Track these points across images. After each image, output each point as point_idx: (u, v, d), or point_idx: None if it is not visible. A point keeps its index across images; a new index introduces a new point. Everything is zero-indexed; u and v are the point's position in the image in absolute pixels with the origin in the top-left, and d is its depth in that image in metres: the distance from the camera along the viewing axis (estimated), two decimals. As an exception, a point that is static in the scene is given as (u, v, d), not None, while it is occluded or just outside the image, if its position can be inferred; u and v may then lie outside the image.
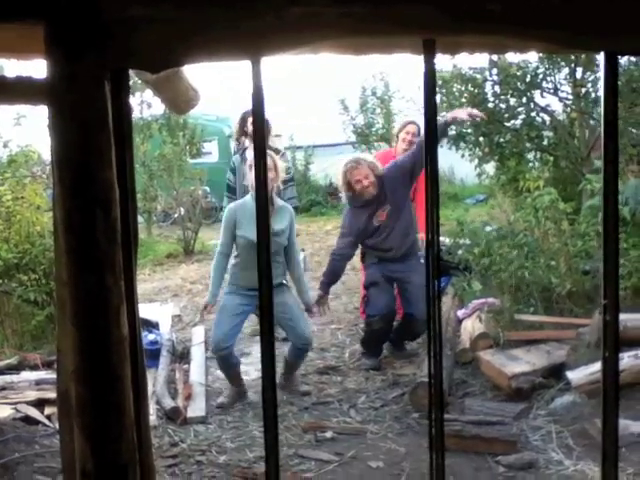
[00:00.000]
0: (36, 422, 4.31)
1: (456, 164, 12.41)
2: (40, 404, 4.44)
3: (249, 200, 4.70)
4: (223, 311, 4.79)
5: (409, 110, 12.32)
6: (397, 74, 12.97)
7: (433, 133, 1.97)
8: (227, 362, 4.76)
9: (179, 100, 3.02)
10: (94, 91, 1.69)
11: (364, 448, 4.02)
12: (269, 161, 4.35)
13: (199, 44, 1.78)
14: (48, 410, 4.39)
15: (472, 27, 1.77)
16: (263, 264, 1.87)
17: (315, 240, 11.06)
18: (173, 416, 4.50)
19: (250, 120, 5.54)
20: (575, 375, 4.21)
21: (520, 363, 4.54)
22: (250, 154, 5.52)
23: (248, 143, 5.82)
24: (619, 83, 1.91)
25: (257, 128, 1.90)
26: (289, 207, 4.96)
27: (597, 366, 4.17)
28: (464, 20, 1.76)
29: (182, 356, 5.70)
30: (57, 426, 4.12)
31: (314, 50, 1.87)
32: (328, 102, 13.39)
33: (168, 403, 4.60)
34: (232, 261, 4.81)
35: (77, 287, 1.72)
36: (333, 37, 1.81)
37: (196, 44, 1.78)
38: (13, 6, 1.68)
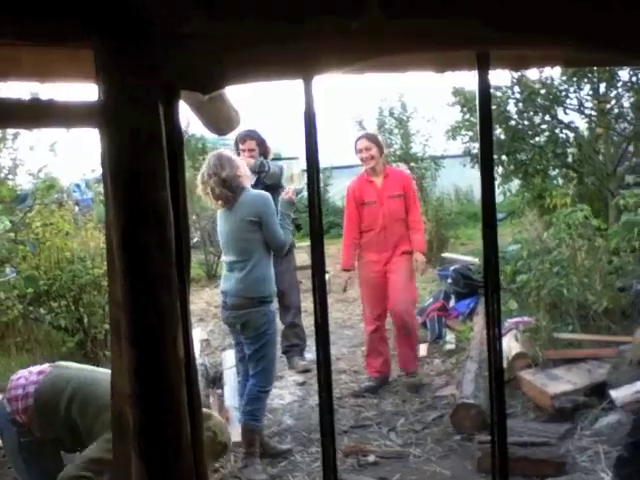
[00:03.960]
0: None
1: (475, 183, 12.38)
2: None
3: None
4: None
5: (427, 130, 12.40)
6: (415, 94, 13.04)
7: (488, 153, 1.93)
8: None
9: (221, 121, 3.00)
10: (148, 111, 1.69)
11: (408, 472, 3.97)
12: None
13: (250, 62, 1.77)
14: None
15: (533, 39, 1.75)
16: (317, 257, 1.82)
17: (337, 262, 11.02)
18: (211, 442, 4.45)
19: (241, 145, 5.65)
20: (619, 394, 4.14)
21: (562, 382, 4.48)
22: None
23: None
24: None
25: (309, 150, 1.84)
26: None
27: (641, 384, 4.13)
28: (524, 31, 1.74)
29: (214, 381, 5.68)
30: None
31: (365, 68, 1.86)
32: (346, 123, 13.45)
33: (205, 429, 4.57)
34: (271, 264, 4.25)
35: (133, 307, 1.71)
36: (386, 53, 1.80)
37: (247, 63, 1.77)
38: (63, 27, 1.68)
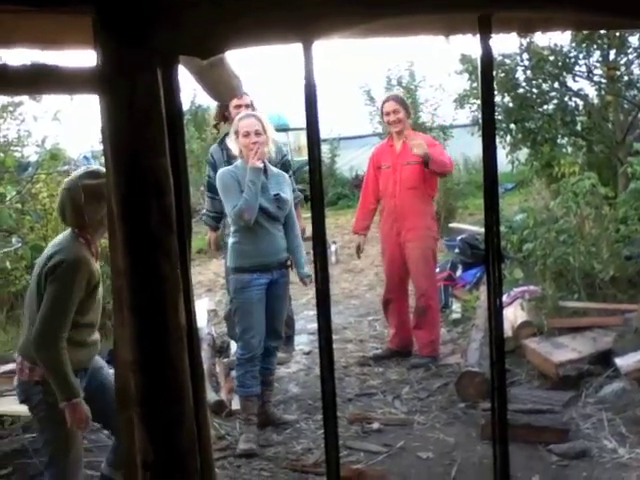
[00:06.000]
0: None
1: (485, 152, 12.26)
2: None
3: (241, 166, 4.19)
4: (246, 305, 4.14)
5: (435, 99, 12.27)
6: (423, 62, 12.88)
7: (491, 120, 1.90)
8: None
9: (222, 88, 2.97)
10: (146, 78, 1.67)
11: (412, 439, 4.00)
12: (257, 125, 4.11)
13: (248, 27, 1.74)
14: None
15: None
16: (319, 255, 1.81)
17: (344, 233, 11.03)
18: (218, 409, 4.50)
19: (233, 103, 5.00)
20: (624, 362, 4.14)
21: (566, 351, 4.48)
22: (231, 142, 4.82)
23: (228, 129, 5.01)
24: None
25: (309, 117, 1.81)
26: (284, 174, 4.40)
27: (646, 352, 4.13)
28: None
29: (221, 350, 5.72)
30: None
31: (367, 32, 1.83)
32: (353, 93, 13.33)
33: (212, 397, 4.59)
34: (231, 240, 4.26)
35: (134, 275, 1.71)
36: (386, 16, 1.76)
37: (245, 27, 1.74)
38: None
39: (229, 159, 4.93)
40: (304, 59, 1.76)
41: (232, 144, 4.33)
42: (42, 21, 1.83)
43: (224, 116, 5.30)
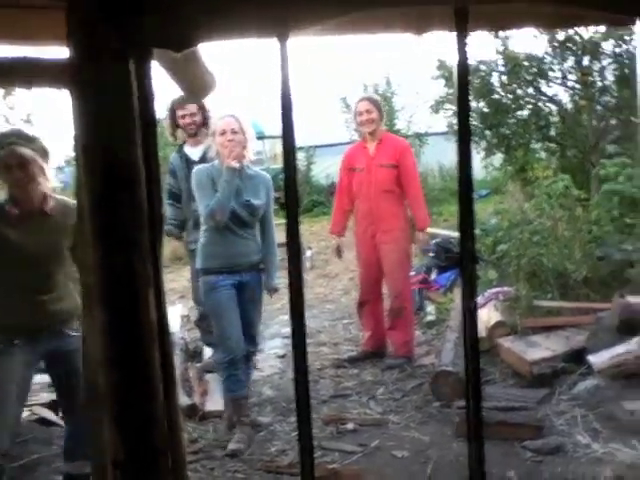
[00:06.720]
0: (51, 424, 4.26)
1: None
2: (54, 405, 4.38)
3: (217, 165, 4.10)
4: (217, 307, 4.07)
5: (412, 105, 12.34)
6: (399, 69, 12.95)
7: (466, 121, 1.87)
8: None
9: (196, 85, 2.96)
10: (118, 71, 1.65)
11: (387, 438, 3.96)
12: (235, 124, 4.03)
13: (224, 19, 1.73)
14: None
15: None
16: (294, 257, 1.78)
17: (320, 239, 11.04)
18: (191, 413, 4.44)
19: (180, 112, 5.06)
20: (597, 359, 4.16)
21: (540, 349, 4.49)
22: (189, 148, 5.09)
23: (184, 137, 5.19)
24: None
25: (285, 114, 1.78)
26: (264, 175, 4.26)
27: (618, 349, 4.15)
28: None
29: (194, 355, 5.67)
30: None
31: (340, 28, 1.82)
32: (329, 101, 13.37)
33: (184, 401, 4.54)
34: (200, 240, 4.17)
35: (104, 270, 1.68)
36: (360, 8, 1.75)
37: (220, 19, 1.73)
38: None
39: (188, 165, 4.94)
40: (280, 54, 1.75)
41: (213, 145, 4.20)
42: (14, 16, 1.80)
43: (177, 125, 5.21)
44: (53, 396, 4.48)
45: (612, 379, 3.99)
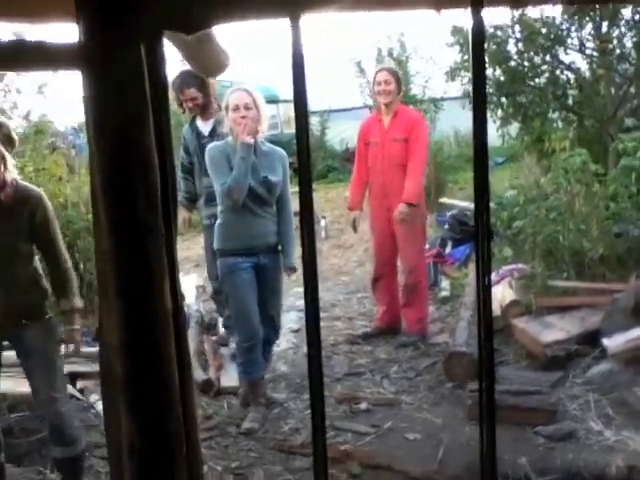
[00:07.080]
0: (69, 396, 4.31)
1: (475, 125, 12.19)
2: (72, 378, 4.42)
3: (231, 142, 4.07)
4: (236, 290, 4.06)
5: (427, 70, 12.15)
6: (413, 34, 12.74)
7: (481, 94, 1.83)
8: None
9: (210, 64, 2.92)
10: (130, 54, 1.62)
11: (400, 419, 3.99)
12: (247, 98, 3.98)
13: (235, 1, 1.68)
14: (80, 384, 4.39)
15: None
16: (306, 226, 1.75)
17: (334, 207, 10.96)
18: (206, 388, 4.47)
19: (181, 97, 5.00)
20: (611, 342, 4.14)
21: (554, 330, 4.47)
22: (201, 122, 5.02)
23: (193, 109, 5.08)
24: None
25: (297, 93, 1.74)
26: (279, 151, 4.18)
27: (634, 333, 4.13)
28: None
29: (209, 327, 5.68)
30: (90, 400, 4.18)
31: (355, 5, 1.77)
32: (344, 65, 13.19)
33: (200, 375, 4.56)
34: (217, 220, 4.13)
35: (119, 256, 1.67)
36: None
37: (232, 1, 1.68)
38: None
39: (199, 139, 4.94)
40: (292, 33, 1.70)
41: (225, 120, 4.17)
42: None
43: (180, 104, 5.12)
44: (70, 367, 4.54)
45: (626, 364, 3.97)
